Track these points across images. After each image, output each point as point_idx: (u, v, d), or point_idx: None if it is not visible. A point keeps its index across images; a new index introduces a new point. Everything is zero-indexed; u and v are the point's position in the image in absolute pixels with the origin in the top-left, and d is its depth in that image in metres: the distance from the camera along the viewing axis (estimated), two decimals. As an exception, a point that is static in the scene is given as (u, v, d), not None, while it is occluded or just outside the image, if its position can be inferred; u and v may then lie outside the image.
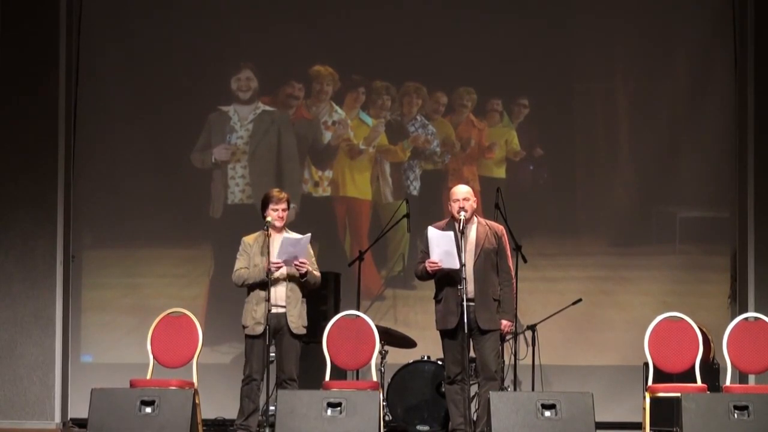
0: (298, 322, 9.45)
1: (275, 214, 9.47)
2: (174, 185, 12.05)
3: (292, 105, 12.23)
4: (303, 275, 9.40)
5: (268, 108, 12.21)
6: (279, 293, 9.41)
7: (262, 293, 9.40)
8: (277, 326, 9.36)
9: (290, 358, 9.42)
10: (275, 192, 9.58)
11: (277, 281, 9.39)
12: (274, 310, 9.36)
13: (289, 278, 9.44)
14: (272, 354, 9.49)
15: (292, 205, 11.86)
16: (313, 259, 9.62)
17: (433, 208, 11.50)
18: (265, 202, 9.52)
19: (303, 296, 9.55)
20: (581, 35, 12.16)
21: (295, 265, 9.35)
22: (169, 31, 12.11)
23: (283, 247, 9.29)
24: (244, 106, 12.20)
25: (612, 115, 12.16)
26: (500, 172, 12.14)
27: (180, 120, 12.09)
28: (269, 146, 12.17)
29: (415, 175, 12.17)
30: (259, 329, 9.40)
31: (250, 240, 9.58)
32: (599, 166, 12.12)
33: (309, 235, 9.39)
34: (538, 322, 10.93)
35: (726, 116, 11.89)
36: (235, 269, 9.53)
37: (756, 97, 11.61)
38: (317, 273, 9.59)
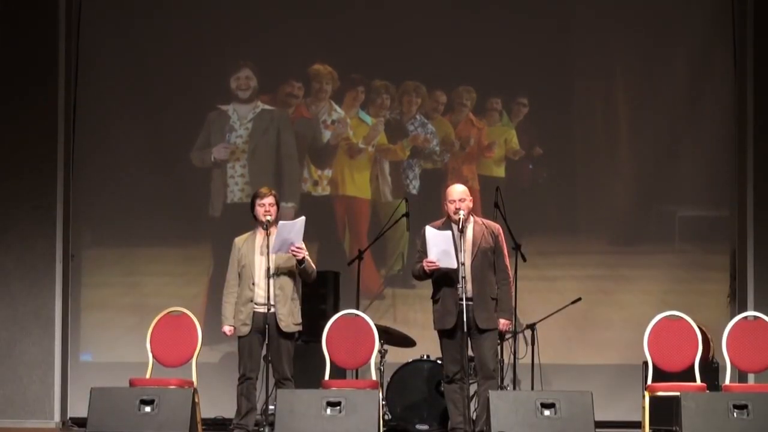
0: (288, 320, 9.43)
1: (262, 209, 9.47)
2: (173, 184, 12.05)
3: (292, 104, 12.23)
4: (301, 261, 9.38)
5: (267, 107, 12.21)
6: (263, 293, 9.39)
7: (249, 293, 9.41)
8: (264, 326, 9.36)
9: (282, 358, 9.40)
10: (261, 189, 9.61)
11: (261, 280, 9.38)
12: (259, 309, 9.38)
13: (279, 275, 9.42)
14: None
15: (291, 204, 11.97)
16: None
17: (433, 207, 11.48)
18: (253, 200, 9.55)
19: (297, 293, 9.54)
20: (581, 34, 12.16)
21: (292, 250, 9.32)
22: (169, 31, 12.11)
23: (279, 234, 9.27)
24: (244, 105, 12.19)
25: (611, 114, 12.16)
26: (500, 171, 12.14)
27: (179, 119, 12.09)
28: (268, 145, 12.17)
29: (415, 174, 12.17)
30: (246, 330, 9.42)
31: (240, 242, 9.59)
32: (598, 165, 12.12)
33: (303, 218, 9.36)
34: (538, 321, 10.93)
35: (726, 116, 11.89)
36: (225, 283, 9.59)
37: (756, 96, 11.61)
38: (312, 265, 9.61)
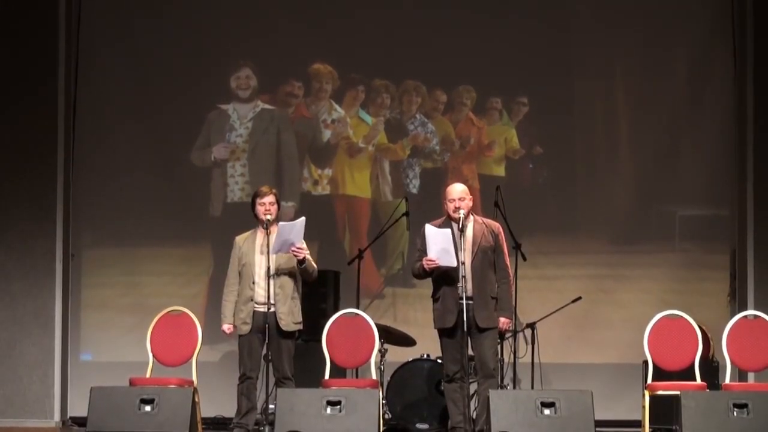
0: (287, 319, 9.43)
1: (262, 208, 9.47)
2: (173, 184, 12.06)
3: (292, 103, 12.23)
4: (301, 261, 9.38)
5: (267, 106, 12.22)
6: (263, 292, 9.39)
7: (249, 292, 9.42)
8: (264, 325, 9.36)
9: (282, 357, 9.41)
10: (262, 188, 9.61)
11: (261, 280, 9.38)
12: (259, 308, 9.38)
13: (279, 274, 9.42)
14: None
15: (291, 203, 11.98)
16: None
17: (433, 206, 11.47)
18: (253, 199, 9.56)
19: (297, 292, 9.53)
20: (581, 34, 12.17)
21: (293, 251, 9.32)
22: (169, 30, 12.12)
23: (279, 235, 9.28)
24: (244, 105, 12.20)
25: (612, 114, 12.17)
26: (500, 171, 12.15)
27: (179, 119, 12.10)
28: (269, 145, 12.18)
29: (415, 173, 12.18)
30: (246, 329, 9.43)
31: (240, 240, 9.59)
32: (599, 165, 12.14)
33: (303, 219, 9.36)
34: (538, 320, 10.93)
35: (726, 115, 11.89)
36: (226, 281, 9.60)
37: (756, 96, 11.61)
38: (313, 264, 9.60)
